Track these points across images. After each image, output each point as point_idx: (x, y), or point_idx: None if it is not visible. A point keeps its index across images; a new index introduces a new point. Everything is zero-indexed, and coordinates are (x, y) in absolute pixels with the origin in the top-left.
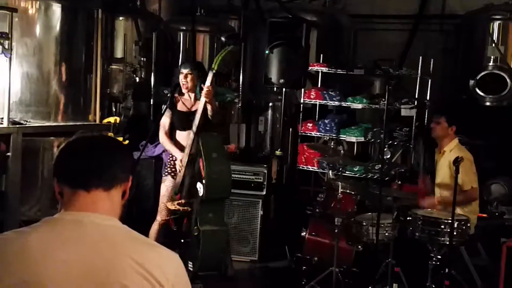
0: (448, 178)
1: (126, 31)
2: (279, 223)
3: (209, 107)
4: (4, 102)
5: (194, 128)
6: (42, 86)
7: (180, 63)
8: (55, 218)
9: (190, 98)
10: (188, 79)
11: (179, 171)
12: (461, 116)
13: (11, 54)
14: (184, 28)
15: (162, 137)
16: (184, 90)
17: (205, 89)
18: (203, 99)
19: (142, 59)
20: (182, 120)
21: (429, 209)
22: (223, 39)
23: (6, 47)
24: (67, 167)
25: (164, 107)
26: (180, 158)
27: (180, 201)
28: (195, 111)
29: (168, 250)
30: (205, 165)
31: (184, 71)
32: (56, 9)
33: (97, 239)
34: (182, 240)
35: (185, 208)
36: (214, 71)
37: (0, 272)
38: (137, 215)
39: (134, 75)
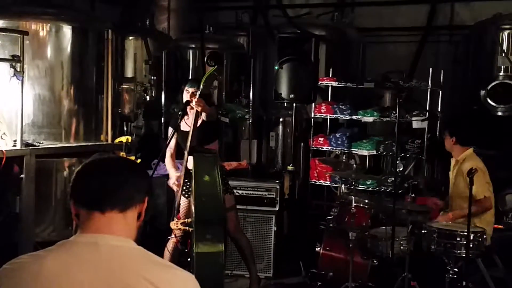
0: (462, 188)
1: (136, 51)
2: (293, 239)
3: (203, 115)
4: (17, 124)
5: (187, 148)
6: (54, 108)
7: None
8: (70, 241)
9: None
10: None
11: (177, 191)
12: (465, 127)
13: (23, 76)
14: (193, 46)
15: (167, 158)
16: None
17: (194, 100)
18: (192, 116)
19: (152, 78)
20: (186, 140)
21: (444, 222)
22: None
23: (18, 69)
24: (82, 189)
25: (170, 129)
26: (173, 181)
27: (185, 220)
28: (197, 129)
29: (183, 271)
30: (194, 188)
31: (190, 89)
32: (67, 31)
33: (112, 261)
34: (189, 259)
35: (186, 228)
36: (199, 92)
37: None
38: (150, 233)
39: (145, 94)
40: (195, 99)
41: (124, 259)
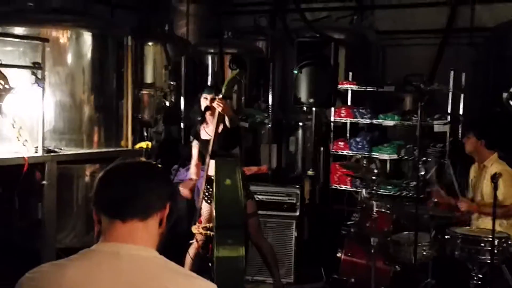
0: (489, 192)
1: (155, 56)
2: (313, 244)
3: (226, 121)
4: (38, 130)
5: (209, 152)
6: (74, 114)
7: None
8: (92, 250)
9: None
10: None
11: (197, 198)
12: (493, 129)
13: (44, 83)
14: (211, 51)
15: (191, 167)
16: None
17: (216, 101)
18: (214, 122)
19: (171, 83)
20: (207, 148)
21: (468, 227)
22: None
23: (39, 77)
24: (103, 197)
25: (191, 138)
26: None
27: (206, 225)
28: (218, 135)
29: (205, 280)
30: (215, 192)
31: (209, 96)
32: (87, 37)
33: (134, 271)
34: (210, 264)
35: (208, 232)
36: (222, 95)
37: None
38: (171, 238)
39: (164, 100)
40: (217, 100)
41: (145, 269)
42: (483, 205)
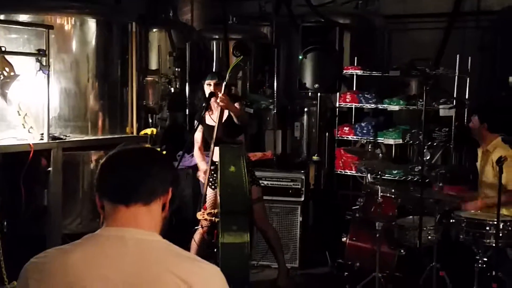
0: (491, 177)
1: (160, 43)
2: (318, 229)
3: (232, 113)
4: (43, 118)
5: (213, 139)
6: (79, 101)
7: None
8: (96, 235)
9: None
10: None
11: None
12: (495, 113)
13: (48, 70)
14: (216, 37)
15: (195, 151)
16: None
17: (219, 97)
18: (219, 109)
19: (176, 69)
20: (211, 134)
21: (473, 211)
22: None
23: (44, 63)
24: (106, 182)
25: (196, 122)
26: (203, 171)
27: (211, 211)
28: (223, 123)
29: (209, 264)
30: (220, 179)
31: (212, 81)
32: (91, 24)
33: (139, 255)
34: (215, 250)
35: (212, 218)
36: (226, 83)
37: None
38: (176, 225)
39: (169, 86)
40: (220, 95)
41: (150, 253)
42: (486, 198)
